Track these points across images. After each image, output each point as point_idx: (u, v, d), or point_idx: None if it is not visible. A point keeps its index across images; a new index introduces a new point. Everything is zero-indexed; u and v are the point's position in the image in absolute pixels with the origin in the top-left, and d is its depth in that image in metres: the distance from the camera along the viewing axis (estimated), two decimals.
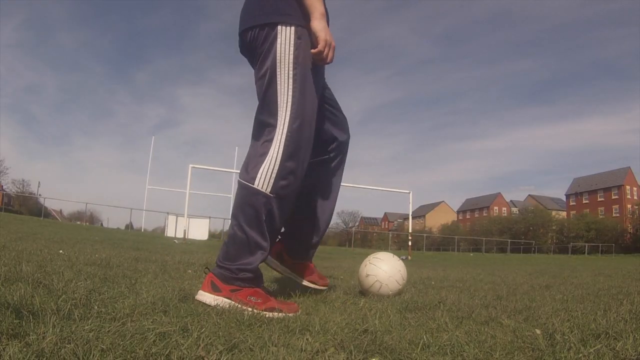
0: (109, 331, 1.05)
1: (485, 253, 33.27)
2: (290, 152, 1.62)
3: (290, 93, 1.63)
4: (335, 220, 76.60)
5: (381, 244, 43.37)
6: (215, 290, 1.57)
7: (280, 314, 1.50)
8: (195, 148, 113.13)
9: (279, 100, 1.63)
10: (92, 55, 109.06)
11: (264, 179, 1.60)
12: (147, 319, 1.21)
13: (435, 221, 75.33)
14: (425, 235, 42.86)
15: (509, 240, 43.19)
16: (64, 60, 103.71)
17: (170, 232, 21.04)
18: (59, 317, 1.13)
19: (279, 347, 1.06)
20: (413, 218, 16.57)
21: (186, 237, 14.12)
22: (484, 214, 74.99)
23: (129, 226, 29.32)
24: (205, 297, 1.57)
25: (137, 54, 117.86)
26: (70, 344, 0.92)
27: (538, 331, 1.34)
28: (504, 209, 76.44)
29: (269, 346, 1.06)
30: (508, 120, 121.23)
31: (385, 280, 2.13)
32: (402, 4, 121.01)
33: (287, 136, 1.62)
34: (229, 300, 1.54)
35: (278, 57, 1.63)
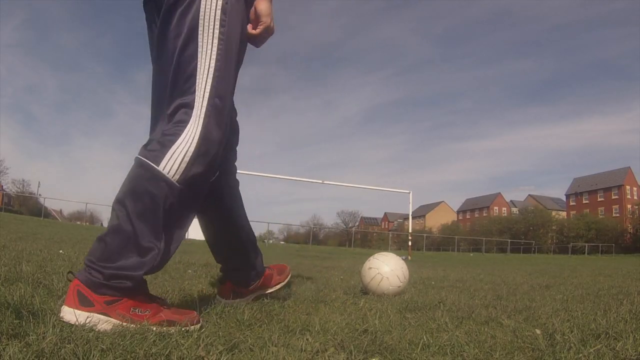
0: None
1: (485, 253, 33.28)
2: (208, 135, 1.29)
3: (214, 57, 1.30)
4: (335, 220, 76.72)
5: (381, 244, 43.37)
6: (84, 304, 1.15)
7: (176, 327, 1.20)
8: None
9: (198, 67, 1.29)
10: (92, 55, 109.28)
11: (173, 162, 1.24)
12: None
13: (435, 221, 75.34)
14: (425, 235, 42.86)
15: (509, 240, 43.18)
16: (64, 60, 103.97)
17: None
18: (59, 317, 1.13)
19: (279, 347, 1.06)
20: (413, 218, 16.57)
21: (186, 237, 14.13)
22: (484, 214, 74.99)
23: None
24: (70, 314, 1.13)
25: (137, 54, 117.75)
26: (70, 344, 0.92)
27: (538, 331, 1.34)
28: (504, 209, 76.45)
29: (269, 346, 1.06)
30: (508, 120, 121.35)
31: (387, 274, 2.15)
32: (402, 4, 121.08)
33: (206, 114, 1.29)
34: (106, 318, 1.16)
35: (201, 12, 1.30)
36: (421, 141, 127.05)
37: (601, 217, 54.21)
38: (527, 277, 4.27)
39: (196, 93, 1.29)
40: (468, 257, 17.61)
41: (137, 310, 1.20)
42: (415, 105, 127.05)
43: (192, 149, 1.26)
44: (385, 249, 18.87)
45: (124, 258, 1.20)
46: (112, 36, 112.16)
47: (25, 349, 0.87)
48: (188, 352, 0.96)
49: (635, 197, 55.91)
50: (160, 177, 1.23)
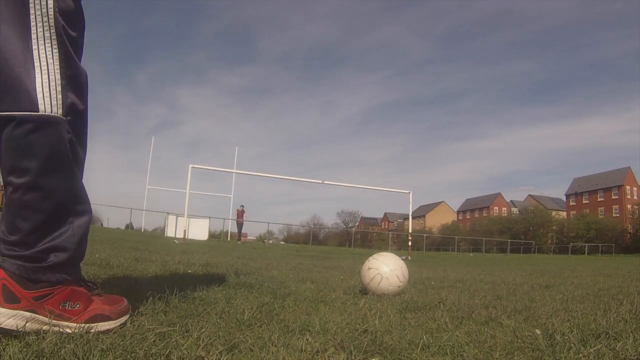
0: None
1: (485, 253, 33.25)
2: (65, 51, 1.06)
3: None
4: (335, 220, 76.70)
5: (381, 244, 43.35)
6: (9, 300, 0.98)
7: (110, 323, 1.10)
8: (195, 148, 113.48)
9: None
10: (92, 55, 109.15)
11: (49, 95, 1.02)
12: (147, 319, 1.21)
13: (435, 221, 75.36)
14: (425, 235, 42.81)
15: (509, 240, 43.13)
16: None
17: (170, 232, 21.03)
18: None
19: (279, 347, 1.06)
20: (413, 218, 16.58)
21: (186, 237, 14.12)
22: (484, 214, 75.02)
23: (129, 226, 29.30)
24: None
25: (137, 54, 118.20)
26: (70, 344, 0.92)
27: (538, 331, 1.34)
28: (504, 209, 76.47)
29: (269, 346, 1.06)
30: (508, 120, 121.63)
31: (386, 274, 2.15)
32: (402, 4, 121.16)
33: (56, 25, 1.05)
34: (33, 315, 1.00)
35: None
36: (421, 141, 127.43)
37: (601, 217, 54.25)
38: (527, 277, 4.27)
39: (37, 13, 1.02)
40: (468, 257, 17.61)
41: (67, 305, 1.06)
42: (415, 105, 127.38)
43: (57, 73, 1.04)
44: (385, 249, 18.88)
45: (49, 232, 1.04)
46: (112, 36, 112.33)
47: (25, 349, 0.87)
48: (188, 352, 0.96)
49: (635, 197, 55.94)
50: (47, 121, 1.01)
